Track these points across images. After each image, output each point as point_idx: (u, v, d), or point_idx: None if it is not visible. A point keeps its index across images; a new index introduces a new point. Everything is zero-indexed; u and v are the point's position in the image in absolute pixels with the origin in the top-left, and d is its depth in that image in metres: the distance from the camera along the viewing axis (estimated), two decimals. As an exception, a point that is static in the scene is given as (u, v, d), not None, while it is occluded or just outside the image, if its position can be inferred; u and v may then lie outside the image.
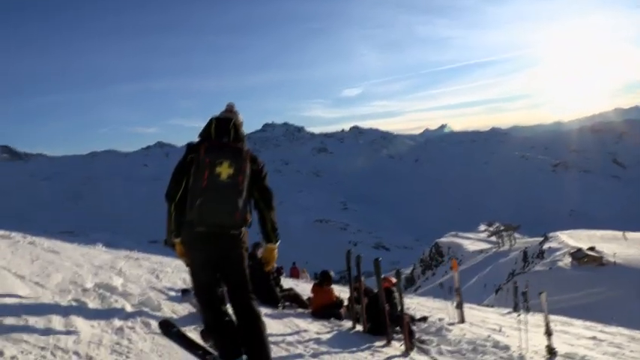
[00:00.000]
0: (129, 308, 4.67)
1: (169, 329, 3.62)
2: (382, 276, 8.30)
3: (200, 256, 3.05)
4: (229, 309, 3.13)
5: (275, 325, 5.61)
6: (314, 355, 4.52)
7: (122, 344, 3.45)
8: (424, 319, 8.85)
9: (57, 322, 3.62)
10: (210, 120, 3.16)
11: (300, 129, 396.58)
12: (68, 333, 3.45)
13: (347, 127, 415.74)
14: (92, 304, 4.50)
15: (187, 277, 7.37)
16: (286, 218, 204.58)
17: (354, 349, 5.34)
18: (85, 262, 7.23)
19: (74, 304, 4.39)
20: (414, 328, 7.95)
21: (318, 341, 5.24)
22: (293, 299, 7.73)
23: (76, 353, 3.08)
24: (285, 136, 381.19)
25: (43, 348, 3.04)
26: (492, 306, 20.03)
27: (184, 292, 5.94)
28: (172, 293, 6.14)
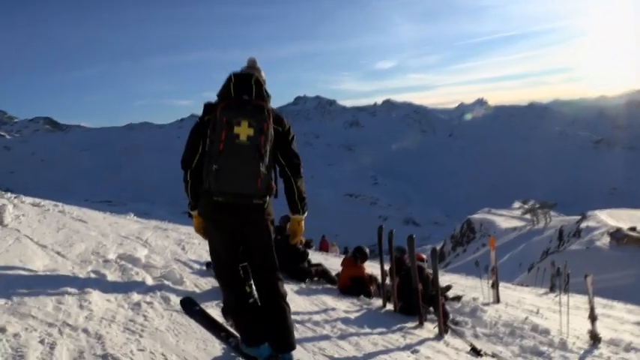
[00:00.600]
0: (150, 281, 4.49)
1: (191, 307, 3.45)
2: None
3: (219, 230, 2.74)
4: (253, 288, 2.85)
5: (302, 303, 5.36)
6: (341, 337, 4.23)
7: (136, 321, 3.24)
8: (458, 298, 8.47)
9: (71, 295, 3.45)
10: (229, 76, 2.76)
11: (332, 102, 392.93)
12: (81, 308, 3.26)
13: (379, 100, 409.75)
14: (112, 276, 4.34)
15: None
16: (316, 191, 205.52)
17: (384, 329, 5.03)
18: (111, 232, 7.16)
19: (93, 275, 4.24)
20: (448, 308, 7.61)
21: (346, 321, 4.96)
22: (321, 275, 7.47)
23: (85, 331, 2.87)
24: (317, 109, 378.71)
25: (50, 324, 2.85)
26: (527, 285, 19.38)
27: (209, 265, 5.73)
28: (197, 266, 5.97)
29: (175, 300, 3.89)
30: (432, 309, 6.46)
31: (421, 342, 4.84)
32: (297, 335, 3.92)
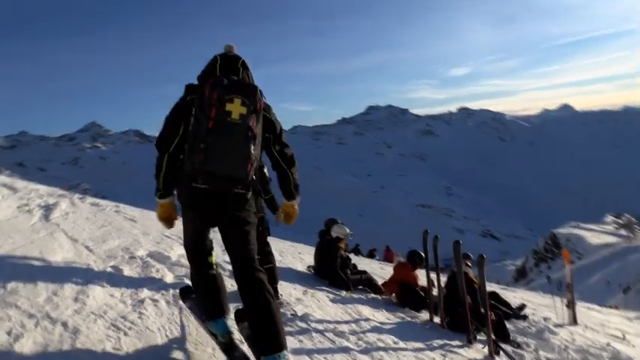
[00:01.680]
0: (169, 279, 4.29)
1: (187, 296, 3.31)
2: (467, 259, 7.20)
3: (198, 217, 2.58)
4: (214, 260, 2.75)
5: (331, 311, 4.91)
6: (364, 351, 3.74)
7: (128, 318, 3.01)
8: (524, 317, 7.55)
9: (71, 288, 3.30)
10: (215, 57, 2.61)
11: (404, 111, 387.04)
12: (75, 300, 3.10)
13: (454, 108, 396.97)
14: (129, 272, 4.19)
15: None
16: (387, 202, 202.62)
17: (422, 346, 4.45)
18: (156, 230, 7.15)
19: (110, 270, 4.12)
20: (511, 327, 6.76)
21: (377, 333, 4.44)
22: (365, 283, 6.96)
23: (64, 324, 2.68)
24: (389, 118, 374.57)
25: (31, 315, 2.69)
26: (617, 307, 17.29)
27: None
28: (230, 267, 5.72)
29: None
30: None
31: (463, 363, 4.20)
32: (309, 344, 3.53)
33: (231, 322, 2.70)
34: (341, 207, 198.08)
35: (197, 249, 2.69)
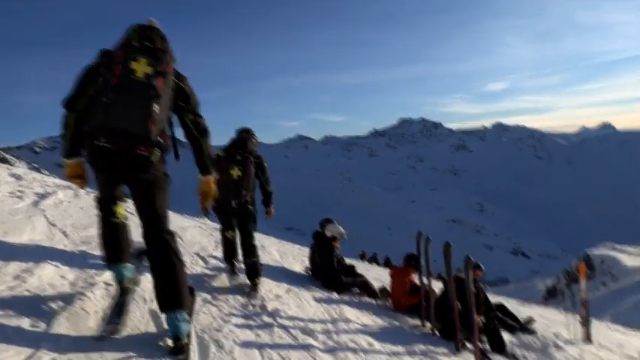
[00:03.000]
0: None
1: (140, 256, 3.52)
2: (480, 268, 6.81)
3: (102, 178, 2.66)
4: (122, 209, 2.81)
5: (310, 310, 4.65)
6: (329, 350, 3.48)
7: (65, 299, 2.85)
8: (531, 331, 7.08)
9: (17, 266, 3.19)
10: (131, 26, 2.60)
11: (437, 125, 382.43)
12: (16, 278, 2.99)
13: (488, 123, 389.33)
14: (97, 258, 4.04)
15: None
16: (418, 217, 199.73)
17: (401, 350, 4.15)
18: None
19: (77, 254, 4.02)
20: (514, 340, 6.32)
21: (354, 333, 4.17)
22: (360, 286, 6.65)
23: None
24: (422, 132, 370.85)
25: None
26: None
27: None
28: (214, 262, 5.55)
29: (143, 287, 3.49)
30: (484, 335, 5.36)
31: (443, 371, 3.87)
32: (266, 338, 3.31)
33: (128, 271, 2.80)
34: (370, 219, 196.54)
35: (105, 199, 2.75)
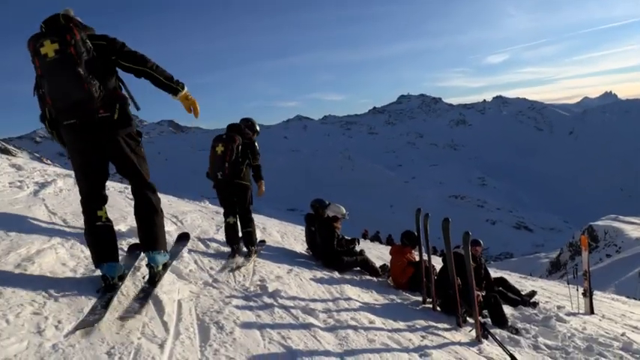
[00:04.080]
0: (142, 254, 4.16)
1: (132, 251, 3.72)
2: (480, 246, 6.85)
3: (76, 155, 2.87)
4: (105, 212, 3.05)
5: (311, 290, 4.69)
6: (331, 328, 3.51)
7: (66, 286, 2.88)
8: (534, 304, 7.16)
9: (18, 255, 3.21)
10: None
11: (437, 100, 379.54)
12: (17, 267, 3.00)
13: (489, 97, 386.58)
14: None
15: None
16: (418, 193, 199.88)
17: (402, 326, 4.19)
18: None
19: (77, 242, 4.02)
20: (516, 313, 6.40)
21: (355, 311, 4.21)
22: (361, 265, 6.70)
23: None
24: (421, 107, 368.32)
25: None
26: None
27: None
28: (215, 245, 5.57)
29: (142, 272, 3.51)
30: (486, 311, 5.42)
31: (443, 345, 3.92)
32: (267, 319, 3.35)
33: (114, 269, 2.96)
34: (372, 197, 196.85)
35: (88, 201, 2.97)
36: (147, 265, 3.09)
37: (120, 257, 3.15)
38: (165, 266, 3.23)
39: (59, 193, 6.32)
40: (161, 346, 2.47)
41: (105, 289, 2.86)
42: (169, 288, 3.39)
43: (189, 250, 4.81)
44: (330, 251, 6.41)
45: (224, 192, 5.24)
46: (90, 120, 2.70)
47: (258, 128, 5.52)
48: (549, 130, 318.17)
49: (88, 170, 2.89)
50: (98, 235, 2.95)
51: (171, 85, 2.98)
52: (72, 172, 9.23)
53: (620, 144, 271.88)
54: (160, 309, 2.95)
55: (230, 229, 5.27)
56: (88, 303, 2.75)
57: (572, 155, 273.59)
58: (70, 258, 3.49)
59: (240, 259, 4.86)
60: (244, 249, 5.24)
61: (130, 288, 3.15)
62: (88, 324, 2.43)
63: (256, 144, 5.35)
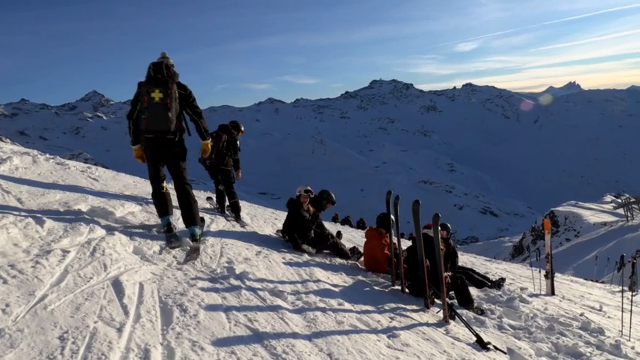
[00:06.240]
0: (98, 233, 3.96)
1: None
2: (448, 230, 6.89)
3: (149, 155, 4.47)
4: (165, 185, 4.58)
5: (279, 272, 4.61)
6: (299, 310, 3.45)
7: (17, 267, 2.71)
8: (498, 285, 7.30)
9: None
10: (149, 65, 4.37)
11: (408, 86, 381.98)
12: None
13: (459, 84, 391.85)
14: (54, 224, 3.86)
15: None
16: (389, 177, 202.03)
17: (370, 308, 4.18)
18: (119, 191, 6.83)
19: (32, 221, 3.79)
20: (481, 294, 6.51)
21: (324, 294, 4.16)
22: (331, 248, 6.65)
23: None
24: (393, 93, 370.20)
25: None
26: (603, 282, 17.10)
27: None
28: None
29: (106, 248, 3.34)
30: (452, 293, 5.48)
31: (411, 326, 3.93)
32: (233, 301, 3.26)
33: (171, 221, 4.47)
34: (343, 182, 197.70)
35: (154, 179, 4.51)
36: (190, 236, 4.42)
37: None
38: (200, 235, 4.59)
39: (15, 171, 6.00)
40: (119, 330, 2.34)
41: (166, 231, 4.38)
42: (131, 269, 3.25)
43: (156, 231, 4.65)
44: (299, 231, 6.33)
45: (215, 174, 7.11)
46: (162, 138, 4.30)
47: (242, 128, 7.37)
48: (516, 117, 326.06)
49: (155, 163, 4.47)
50: (162, 198, 4.47)
51: (204, 135, 4.70)
52: (31, 151, 8.83)
53: (581, 133, 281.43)
54: (119, 291, 2.81)
55: (219, 193, 7.39)
56: (40, 285, 2.59)
57: (536, 143, 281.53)
58: (24, 238, 3.29)
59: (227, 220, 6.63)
60: (230, 216, 7.05)
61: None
62: (176, 246, 4.23)
63: (238, 142, 7.15)
